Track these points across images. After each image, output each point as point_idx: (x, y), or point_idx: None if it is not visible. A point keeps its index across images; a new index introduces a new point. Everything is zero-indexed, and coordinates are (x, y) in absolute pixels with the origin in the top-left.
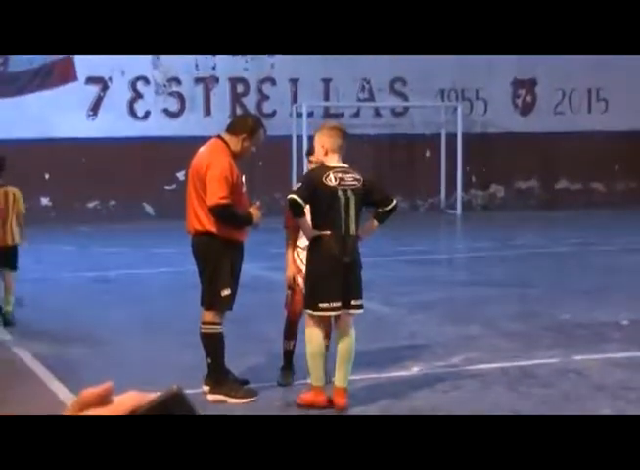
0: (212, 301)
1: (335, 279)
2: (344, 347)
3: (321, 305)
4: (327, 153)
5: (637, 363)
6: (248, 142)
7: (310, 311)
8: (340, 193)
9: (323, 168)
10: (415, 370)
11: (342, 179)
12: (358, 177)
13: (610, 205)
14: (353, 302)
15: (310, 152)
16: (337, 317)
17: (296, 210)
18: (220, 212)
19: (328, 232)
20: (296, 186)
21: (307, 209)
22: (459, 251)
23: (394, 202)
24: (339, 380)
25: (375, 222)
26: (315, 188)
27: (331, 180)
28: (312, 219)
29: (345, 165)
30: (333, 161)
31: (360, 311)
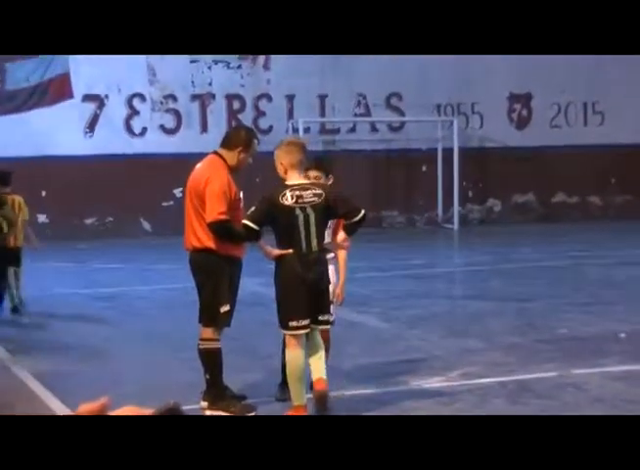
0: (211, 317)
1: (300, 297)
2: (316, 354)
3: (290, 323)
4: (286, 171)
5: (635, 376)
6: (244, 154)
7: (283, 330)
8: (297, 211)
9: (281, 187)
10: (413, 384)
11: (299, 197)
12: (319, 192)
13: (606, 218)
14: (320, 317)
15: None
16: (307, 334)
17: (249, 235)
18: (219, 229)
19: (290, 251)
20: (250, 209)
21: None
22: (456, 265)
23: (362, 212)
24: (317, 371)
25: (343, 235)
26: (271, 209)
27: (287, 199)
28: (275, 239)
29: (306, 181)
30: (293, 178)
31: (328, 327)
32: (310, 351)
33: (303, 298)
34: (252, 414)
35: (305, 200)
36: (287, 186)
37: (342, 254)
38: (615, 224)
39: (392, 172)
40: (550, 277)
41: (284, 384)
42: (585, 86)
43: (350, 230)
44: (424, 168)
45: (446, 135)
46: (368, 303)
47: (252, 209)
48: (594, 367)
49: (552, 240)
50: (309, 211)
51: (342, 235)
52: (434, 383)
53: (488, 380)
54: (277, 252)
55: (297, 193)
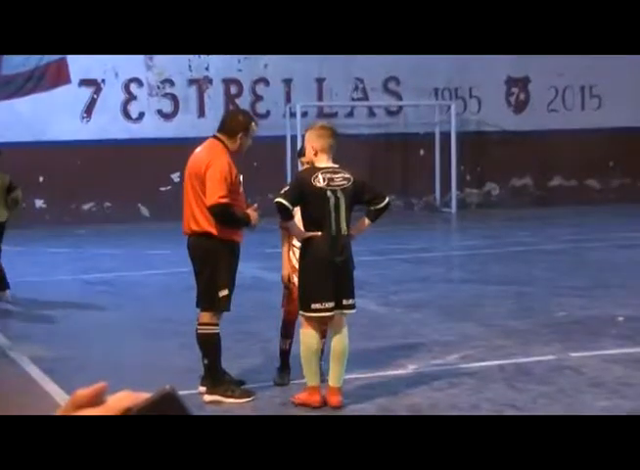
0: (210, 301)
1: (327, 280)
2: (338, 347)
3: (314, 305)
4: (317, 153)
5: (633, 359)
6: (244, 139)
7: (304, 313)
8: (329, 193)
9: (312, 169)
10: (412, 368)
11: (330, 180)
12: (348, 176)
13: (605, 201)
14: (345, 301)
15: (301, 153)
16: (330, 317)
17: (283, 213)
18: (219, 212)
19: (319, 233)
20: (283, 189)
21: (297, 210)
22: (455, 249)
23: (386, 200)
24: (332, 380)
25: (367, 220)
26: (303, 190)
27: (319, 181)
28: (303, 221)
29: (335, 165)
30: (322, 161)
31: (352, 311)
32: (334, 345)
33: (329, 280)
34: (251, 399)
35: (336, 183)
36: (318, 169)
37: None
38: (613, 207)
39: (390, 157)
40: (548, 261)
41: (282, 368)
42: (583, 70)
43: (375, 216)
44: (421, 153)
45: (444, 119)
46: (366, 287)
47: (286, 188)
48: (592, 350)
49: (550, 223)
50: (340, 194)
51: (366, 220)
52: (432, 367)
53: (487, 363)
54: (307, 233)
55: (329, 176)
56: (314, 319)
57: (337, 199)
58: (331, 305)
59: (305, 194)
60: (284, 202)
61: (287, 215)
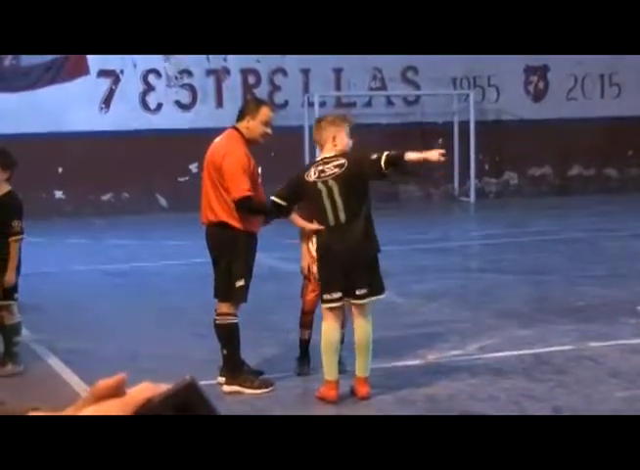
0: (227, 292)
1: (334, 270)
2: (360, 337)
3: (324, 296)
4: (318, 147)
5: None
6: (253, 120)
7: (321, 304)
8: (319, 185)
9: (309, 164)
10: (430, 358)
11: (321, 171)
12: (341, 163)
13: (623, 190)
14: (357, 292)
15: None
16: (341, 308)
17: (277, 210)
18: (246, 206)
19: (316, 226)
20: (280, 187)
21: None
22: (473, 238)
23: (384, 155)
24: (359, 370)
25: (404, 156)
26: (298, 186)
27: (310, 175)
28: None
29: (330, 154)
30: (324, 153)
31: (364, 301)
32: (356, 336)
33: (335, 271)
34: (270, 389)
35: (327, 173)
36: (314, 162)
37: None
38: (632, 196)
39: (409, 146)
40: (567, 250)
41: (302, 358)
42: (602, 58)
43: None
44: (440, 142)
45: (462, 108)
46: (384, 276)
47: (281, 186)
48: (611, 340)
49: (568, 213)
50: (331, 183)
51: (407, 154)
52: (450, 357)
53: (505, 354)
54: (310, 226)
55: (320, 168)
56: (330, 310)
57: (329, 189)
58: (337, 295)
59: (301, 190)
60: (275, 199)
61: (283, 212)
